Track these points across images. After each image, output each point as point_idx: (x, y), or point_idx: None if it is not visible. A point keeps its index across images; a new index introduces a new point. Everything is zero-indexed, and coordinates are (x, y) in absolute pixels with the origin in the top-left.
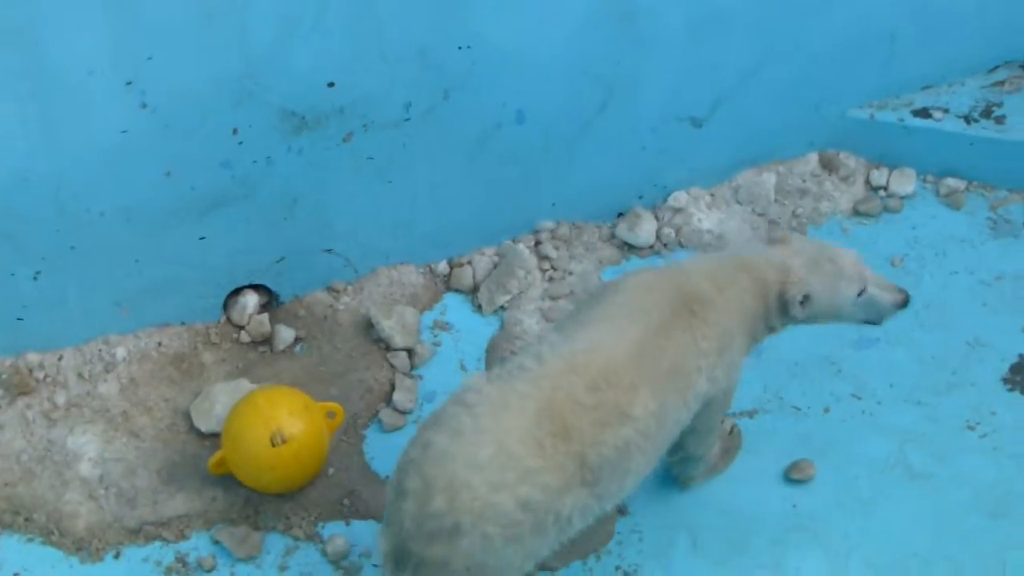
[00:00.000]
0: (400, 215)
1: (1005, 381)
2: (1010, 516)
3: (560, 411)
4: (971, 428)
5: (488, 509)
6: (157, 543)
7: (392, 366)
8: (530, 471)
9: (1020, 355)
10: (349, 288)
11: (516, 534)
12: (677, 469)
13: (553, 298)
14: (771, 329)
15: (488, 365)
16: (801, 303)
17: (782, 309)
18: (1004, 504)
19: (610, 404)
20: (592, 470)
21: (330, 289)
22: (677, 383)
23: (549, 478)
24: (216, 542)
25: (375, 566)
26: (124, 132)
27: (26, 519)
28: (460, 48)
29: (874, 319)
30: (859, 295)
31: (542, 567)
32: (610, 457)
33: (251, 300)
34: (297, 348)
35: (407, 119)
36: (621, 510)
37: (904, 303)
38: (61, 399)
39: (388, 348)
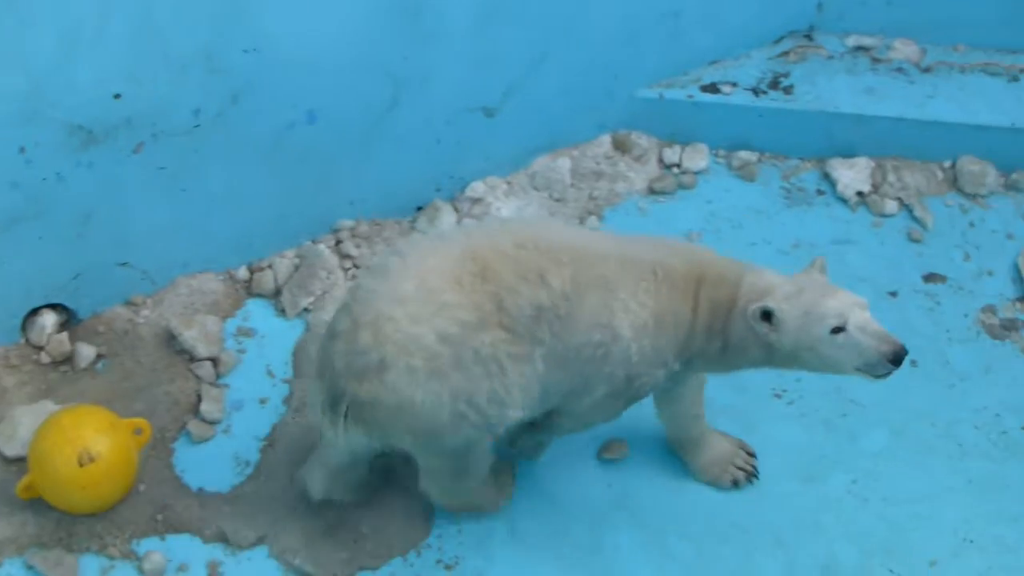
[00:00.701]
0: (196, 223)
1: None
2: (822, 480)
3: (483, 255)
4: (778, 396)
5: (410, 341)
6: None
7: (197, 377)
8: (446, 305)
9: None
10: (148, 301)
11: (438, 367)
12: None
13: None
14: (707, 355)
15: (296, 369)
16: (763, 319)
17: (729, 326)
18: (815, 468)
19: (532, 264)
20: (509, 314)
21: (129, 303)
22: (599, 300)
23: (464, 313)
24: (30, 567)
25: None
26: None
27: None
28: (246, 51)
29: (868, 370)
30: (834, 332)
31: (365, 567)
32: (525, 311)
33: (49, 319)
34: (99, 365)
35: (197, 125)
36: None
37: (894, 355)
38: None
39: (192, 359)
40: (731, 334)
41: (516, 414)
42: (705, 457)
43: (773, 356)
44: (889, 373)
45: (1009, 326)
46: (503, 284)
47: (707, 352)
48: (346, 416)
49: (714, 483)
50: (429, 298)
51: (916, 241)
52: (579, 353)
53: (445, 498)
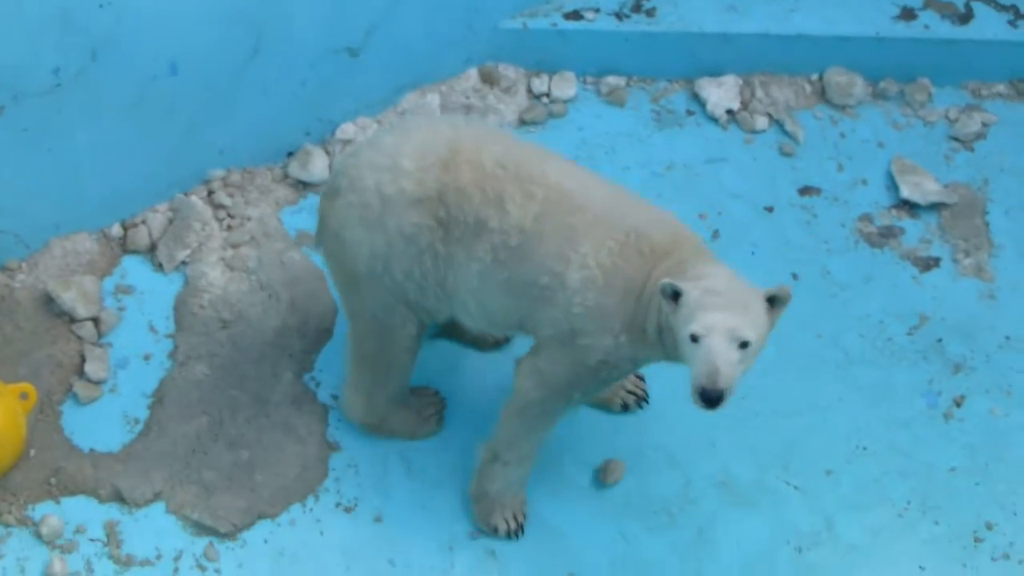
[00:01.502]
0: (65, 183)
1: None
2: None
3: (460, 150)
4: None
5: (357, 180)
6: None
7: (79, 338)
8: (399, 169)
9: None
10: (23, 265)
11: (367, 217)
12: None
13: (234, 246)
14: (648, 338)
15: (178, 323)
16: (671, 296)
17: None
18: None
19: (498, 183)
20: (448, 211)
21: (4, 268)
22: (557, 247)
23: (408, 184)
24: None
25: (91, 540)
26: None
27: None
28: (101, 6)
29: (693, 392)
30: (693, 339)
31: (264, 515)
32: (466, 218)
33: None
34: None
35: (58, 85)
36: (332, 445)
37: (701, 392)
38: None
39: (72, 320)
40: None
41: (441, 313)
42: None
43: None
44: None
45: (887, 233)
46: (458, 183)
47: (648, 332)
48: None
49: (605, 407)
50: (392, 153)
51: (788, 155)
52: (524, 287)
53: (363, 408)
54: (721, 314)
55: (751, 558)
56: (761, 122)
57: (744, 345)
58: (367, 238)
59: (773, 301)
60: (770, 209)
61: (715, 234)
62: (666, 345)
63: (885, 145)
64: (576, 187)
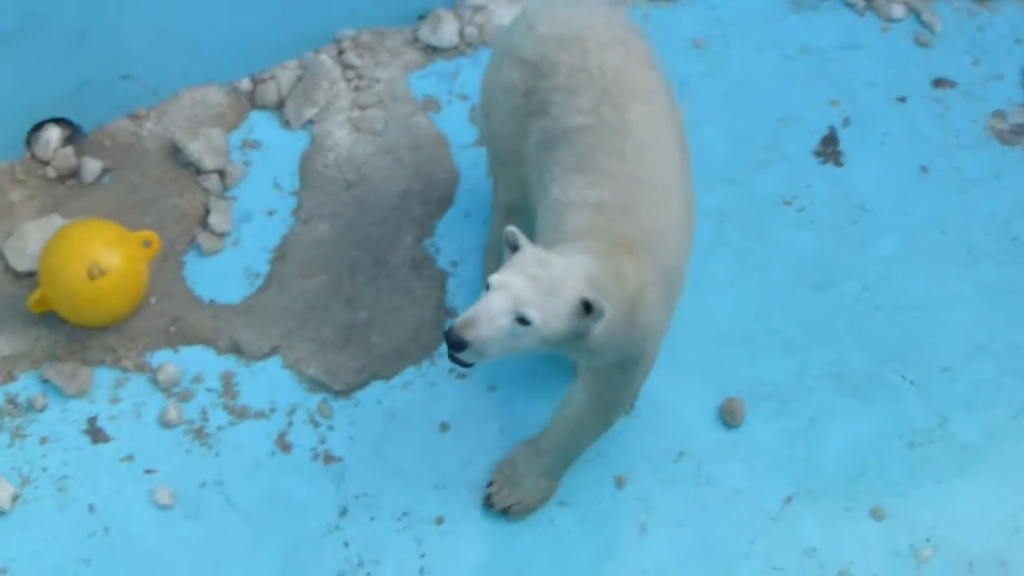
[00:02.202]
0: (196, 33)
1: (817, 154)
2: (833, 286)
3: (585, 40)
4: (787, 203)
5: (513, 20)
6: None
7: (205, 189)
8: (530, 27)
9: (830, 127)
10: (152, 113)
11: (494, 58)
12: None
13: (362, 107)
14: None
15: (303, 180)
16: (509, 246)
17: None
18: (826, 275)
19: (584, 78)
20: (537, 80)
21: (133, 116)
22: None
23: (527, 43)
24: (45, 381)
25: (207, 390)
26: None
27: None
28: None
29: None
30: (486, 286)
31: (379, 376)
32: (540, 93)
33: (54, 134)
34: (105, 179)
35: None
36: (449, 312)
37: (446, 333)
38: None
39: (198, 171)
40: None
41: (512, 191)
42: None
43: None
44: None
45: (1018, 131)
46: (558, 60)
47: None
48: None
49: None
50: (539, 12)
51: (924, 46)
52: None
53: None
54: (522, 280)
55: (861, 451)
56: (898, 10)
57: (523, 322)
58: (488, 77)
59: (589, 308)
60: (902, 100)
61: (846, 121)
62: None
63: (1022, 41)
64: (633, 149)
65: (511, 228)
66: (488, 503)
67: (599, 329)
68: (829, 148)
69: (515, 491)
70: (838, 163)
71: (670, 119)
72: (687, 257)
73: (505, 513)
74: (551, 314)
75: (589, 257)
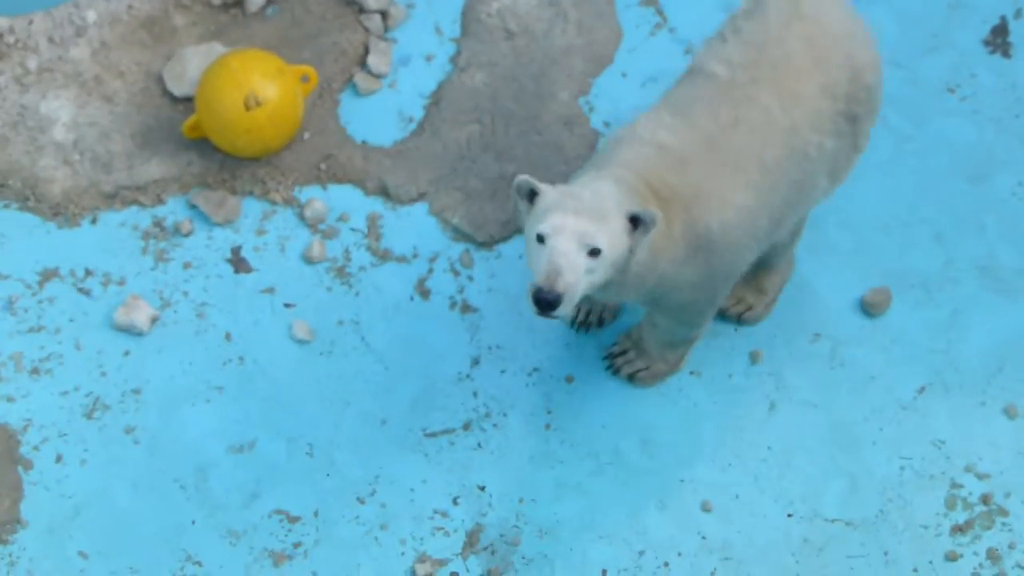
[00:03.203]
0: None
1: (986, 43)
2: (988, 179)
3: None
4: (951, 91)
5: None
6: (134, 208)
7: (366, 29)
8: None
9: (1002, 16)
10: None
11: None
12: None
13: None
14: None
15: (464, 28)
16: (527, 196)
17: None
18: (983, 167)
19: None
20: None
21: None
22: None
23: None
24: (193, 206)
25: (352, 230)
26: None
27: (1, 185)
28: None
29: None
30: (539, 240)
31: (519, 230)
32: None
33: None
34: (269, 11)
35: None
36: None
37: (534, 293)
38: (32, 64)
39: (361, 10)
40: None
41: None
42: None
43: None
44: (538, 312)
45: None
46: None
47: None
48: None
49: None
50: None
51: None
52: None
53: None
54: (573, 217)
55: (1001, 347)
56: None
57: (594, 253)
58: None
59: (636, 221)
60: None
61: (1018, 13)
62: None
63: None
64: (731, 118)
65: (524, 176)
66: (614, 369)
67: (646, 242)
68: (999, 38)
69: (642, 357)
70: (1006, 54)
71: (788, 136)
72: (743, 247)
73: (631, 380)
74: (612, 236)
75: (611, 183)
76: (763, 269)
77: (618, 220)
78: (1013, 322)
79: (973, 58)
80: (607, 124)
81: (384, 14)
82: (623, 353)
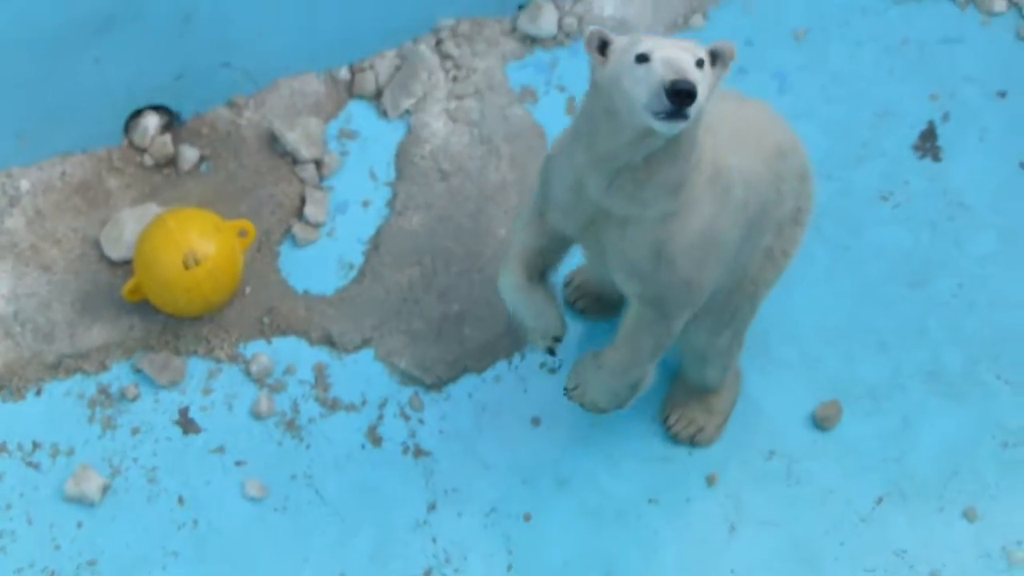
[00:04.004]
0: (298, 22)
1: (916, 148)
2: (928, 284)
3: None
4: (884, 198)
5: None
6: (78, 376)
7: (301, 179)
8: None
9: (929, 122)
10: (250, 102)
11: None
12: None
13: (459, 98)
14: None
15: (399, 171)
16: (599, 49)
17: None
18: (922, 272)
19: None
20: None
21: (231, 104)
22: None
23: None
24: (138, 370)
25: (300, 382)
26: None
27: None
28: None
29: (651, 106)
30: (639, 60)
31: (470, 370)
32: None
33: (152, 121)
34: (202, 167)
35: None
36: None
37: (672, 84)
38: None
39: (295, 161)
40: None
41: None
42: None
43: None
44: (668, 115)
45: None
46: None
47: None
48: None
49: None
50: None
51: None
52: None
53: None
54: (665, 40)
55: (954, 451)
56: (1000, 3)
57: (699, 64)
58: None
59: (716, 56)
60: (1003, 95)
61: (945, 116)
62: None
63: None
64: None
65: (595, 27)
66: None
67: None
68: (927, 143)
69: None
70: (936, 158)
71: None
72: (740, 218)
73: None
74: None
75: None
76: (711, 390)
77: (700, 51)
78: (963, 425)
79: (904, 165)
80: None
81: (318, 163)
82: (576, 387)
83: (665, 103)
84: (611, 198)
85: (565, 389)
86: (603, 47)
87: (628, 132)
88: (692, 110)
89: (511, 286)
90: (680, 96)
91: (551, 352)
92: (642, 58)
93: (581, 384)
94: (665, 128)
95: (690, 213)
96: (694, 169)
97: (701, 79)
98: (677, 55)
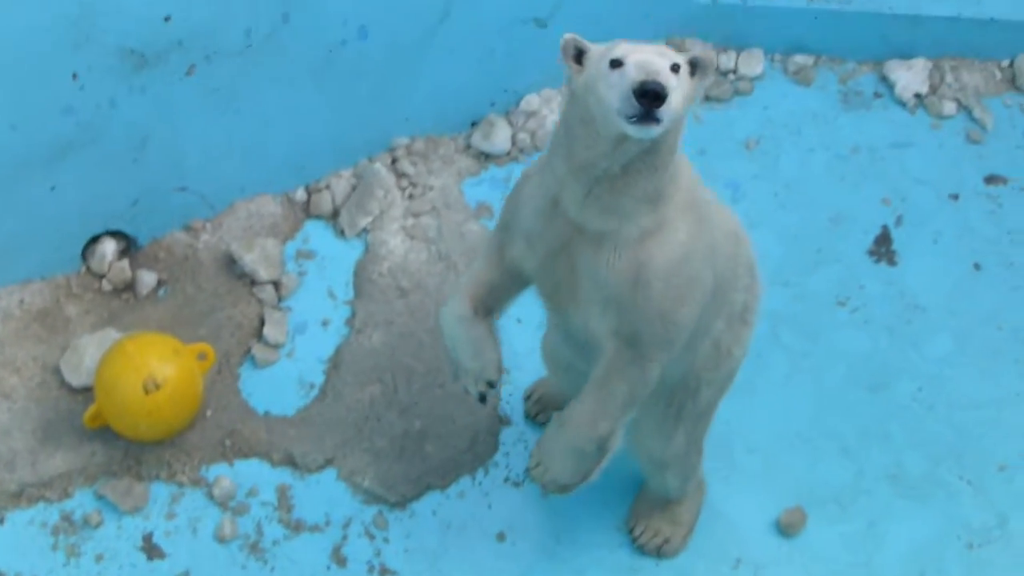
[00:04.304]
0: (252, 145)
1: (871, 253)
2: (888, 388)
3: None
4: (841, 304)
5: None
6: (41, 504)
7: (259, 300)
8: None
9: (883, 226)
10: (207, 225)
11: None
12: None
13: (415, 215)
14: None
15: (357, 289)
16: (572, 57)
17: None
18: (881, 376)
19: None
20: None
21: (188, 228)
22: None
23: None
24: (100, 497)
25: (263, 504)
26: None
27: None
28: None
29: (623, 110)
30: (612, 66)
31: (433, 487)
32: None
33: (109, 247)
34: (160, 292)
35: (249, 46)
36: (503, 419)
37: (640, 85)
38: None
39: (253, 283)
40: None
41: None
42: None
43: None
44: (640, 118)
45: None
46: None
47: None
48: None
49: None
50: None
51: (976, 143)
52: None
53: None
54: (645, 44)
55: (920, 552)
56: (949, 107)
57: (675, 68)
58: None
59: (695, 66)
60: (955, 197)
61: (898, 220)
62: None
63: None
64: None
65: (571, 35)
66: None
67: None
68: (882, 247)
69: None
70: (891, 262)
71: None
72: (707, 264)
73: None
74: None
75: None
76: (674, 500)
77: (678, 61)
78: (927, 526)
79: (859, 269)
80: (507, 370)
81: (276, 284)
82: (538, 465)
83: (635, 106)
84: (588, 209)
85: (527, 469)
86: (579, 56)
87: (604, 140)
88: (664, 113)
89: (454, 316)
90: (648, 97)
91: (482, 399)
92: (616, 63)
93: (544, 459)
94: (637, 132)
95: (666, 236)
96: (671, 182)
97: (676, 84)
98: (650, 59)
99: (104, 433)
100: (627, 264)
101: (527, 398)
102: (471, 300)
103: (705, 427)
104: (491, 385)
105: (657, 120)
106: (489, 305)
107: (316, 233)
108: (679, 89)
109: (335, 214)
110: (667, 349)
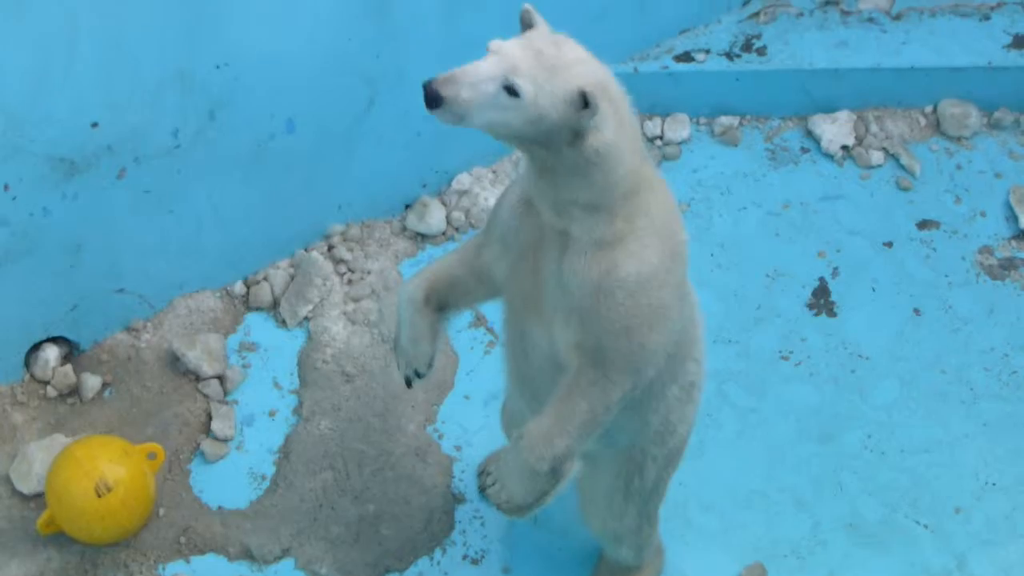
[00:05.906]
0: (188, 243)
1: (810, 307)
2: (837, 438)
3: None
4: (785, 358)
5: None
6: None
7: (205, 396)
8: None
9: (820, 279)
10: (148, 325)
11: None
12: None
13: (355, 300)
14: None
15: (302, 378)
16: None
17: None
18: (830, 427)
19: None
20: None
21: (129, 329)
22: None
23: None
24: None
25: None
26: None
27: None
28: (218, 66)
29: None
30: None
31: (392, 569)
32: None
33: (52, 353)
34: (106, 394)
35: (177, 146)
36: (457, 497)
37: (425, 86)
38: None
39: (198, 378)
40: None
41: None
42: None
43: None
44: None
45: (1007, 265)
46: None
47: None
48: None
49: None
50: None
51: (906, 189)
52: None
53: None
54: (526, 52)
55: None
56: (876, 157)
57: (511, 92)
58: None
59: (586, 100)
60: (889, 244)
61: (835, 272)
62: None
63: (1003, 175)
64: None
65: (529, 5)
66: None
67: (598, 140)
68: (821, 299)
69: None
70: (831, 314)
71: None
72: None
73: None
74: (544, 92)
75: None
76: (633, 569)
77: (566, 84)
78: (888, 573)
79: (800, 323)
80: (459, 448)
81: (221, 378)
82: (493, 484)
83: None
84: (540, 201)
85: (481, 488)
86: (528, 28)
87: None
88: (443, 114)
89: (407, 298)
90: (426, 97)
91: (408, 383)
92: (488, 49)
93: (500, 476)
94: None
95: (632, 248)
96: (623, 202)
97: (490, 99)
98: (480, 69)
99: (59, 538)
100: (591, 269)
101: (481, 473)
102: (428, 288)
103: (657, 504)
104: (419, 375)
105: (433, 111)
106: (444, 298)
107: (257, 325)
108: (506, 112)
109: (275, 305)
110: (632, 375)
